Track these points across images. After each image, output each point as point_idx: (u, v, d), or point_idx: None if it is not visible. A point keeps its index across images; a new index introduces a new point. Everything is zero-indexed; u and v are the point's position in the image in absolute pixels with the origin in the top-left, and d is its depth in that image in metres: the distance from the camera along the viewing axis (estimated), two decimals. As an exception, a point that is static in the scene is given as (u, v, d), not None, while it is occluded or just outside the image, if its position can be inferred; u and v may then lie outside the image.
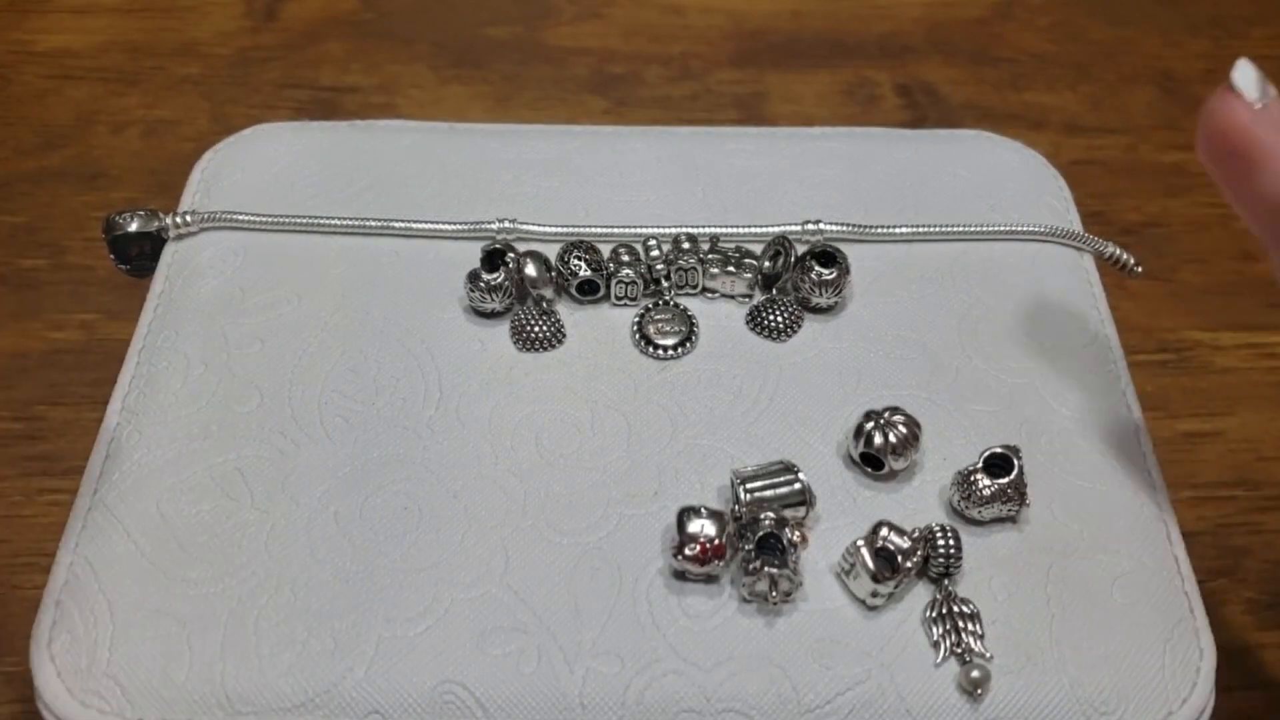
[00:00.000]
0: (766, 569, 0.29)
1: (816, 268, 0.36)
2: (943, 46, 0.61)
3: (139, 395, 0.34)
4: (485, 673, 0.29)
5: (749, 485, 0.31)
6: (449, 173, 0.40)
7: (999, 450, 0.31)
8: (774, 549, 0.29)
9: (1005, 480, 0.31)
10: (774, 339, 0.36)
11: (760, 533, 0.29)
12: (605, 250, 0.36)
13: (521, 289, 0.36)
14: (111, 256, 0.38)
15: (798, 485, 0.31)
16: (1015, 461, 0.31)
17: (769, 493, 0.31)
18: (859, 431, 0.32)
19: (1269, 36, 0.62)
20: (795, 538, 0.30)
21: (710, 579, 0.30)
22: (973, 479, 0.31)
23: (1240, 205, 0.28)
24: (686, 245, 0.36)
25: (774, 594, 0.29)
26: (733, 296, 0.37)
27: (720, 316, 0.36)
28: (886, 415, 0.32)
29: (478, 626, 0.29)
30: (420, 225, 0.38)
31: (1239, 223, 0.51)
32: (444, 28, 0.61)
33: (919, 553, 0.30)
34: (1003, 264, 0.38)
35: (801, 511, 0.31)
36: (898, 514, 0.31)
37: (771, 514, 0.30)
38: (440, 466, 0.32)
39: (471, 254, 0.36)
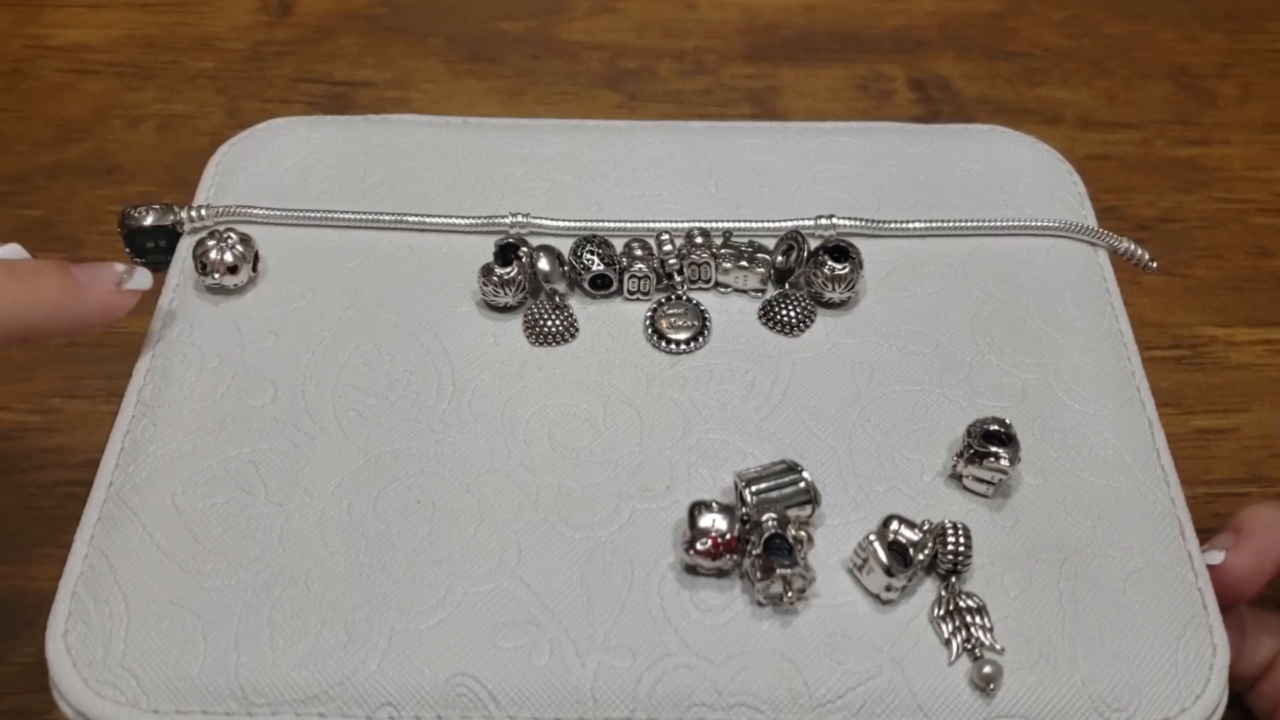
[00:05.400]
0: (778, 570, 0.29)
1: (829, 263, 0.36)
2: (957, 41, 0.61)
3: (154, 389, 0.34)
4: (497, 666, 0.29)
5: (754, 487, 0.31)
6: (462, 167, 0.40)
7: (991, 427, 0.32)
8: (781, 549, 0.29)
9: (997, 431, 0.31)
10: (786, 334, 0.36)
11: (765, 534, 0.29)
12: (618, 245, 0.36)
13: (534, 283, 0.36)
14: (127, 250, 0.38)
15: (802, 484, 0.31)
16: (1007, 430, 0.32)
17: (774, 494, 0.31)
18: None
19: (1286, 31, 0.62)
20: (800, 535, 0.29)
21: (722, 573, 0.30)
22: (970, 446, 0.31)
23: None
24: (699, 240, 0.36)
25: (789, 594, 0.29)
26: (745, 291, 0.37)
27: (733, 311, 0.36)
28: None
29: (490, 620, 0.29)
30: (433, 220, 0.38)
31: (1254, 218, 0.51)
32: (457, 22, 0.61)
33: (930, 545, 0.30)
34: (1016, 259, 0.38)
35: (807, 510, 0.31)
36: (908, 509, 0.31)
37: (773, 515, 0.30)
38: (453, 460, 0.32)
39: (485, 248, 0.36)
